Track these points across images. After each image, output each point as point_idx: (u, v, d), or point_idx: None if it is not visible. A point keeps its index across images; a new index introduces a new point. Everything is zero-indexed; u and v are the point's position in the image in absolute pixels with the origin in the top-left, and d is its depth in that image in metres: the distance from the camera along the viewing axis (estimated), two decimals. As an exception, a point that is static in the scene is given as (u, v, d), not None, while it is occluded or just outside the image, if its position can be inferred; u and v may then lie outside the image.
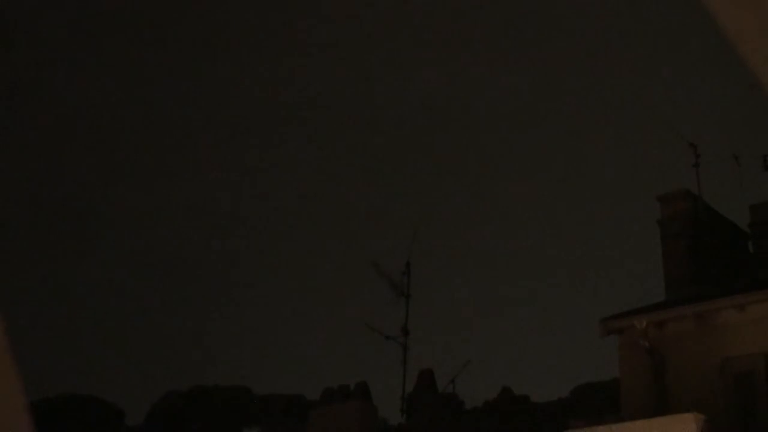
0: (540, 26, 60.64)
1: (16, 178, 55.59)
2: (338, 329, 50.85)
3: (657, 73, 60.92)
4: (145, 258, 54.07)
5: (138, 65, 59.37)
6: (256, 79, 59.34)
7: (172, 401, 32.91)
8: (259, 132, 58.95)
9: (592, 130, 57.32)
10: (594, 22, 57.63)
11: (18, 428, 3.24)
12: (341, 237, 57.16)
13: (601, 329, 20.21)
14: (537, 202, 59.49)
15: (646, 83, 60.65)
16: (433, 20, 59.86)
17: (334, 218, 59.24)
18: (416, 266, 24.35)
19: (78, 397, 32.80)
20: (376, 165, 59.35)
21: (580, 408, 25.68)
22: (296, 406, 30.71)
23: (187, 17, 59.83)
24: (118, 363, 46.48)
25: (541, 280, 52.33)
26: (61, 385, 38.09)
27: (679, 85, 57.47)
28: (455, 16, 60.43)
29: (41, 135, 58.68)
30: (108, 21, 59.51)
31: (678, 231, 21.56)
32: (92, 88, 59.75)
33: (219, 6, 61.09)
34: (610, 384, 24.20)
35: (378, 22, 57.91)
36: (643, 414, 18.92)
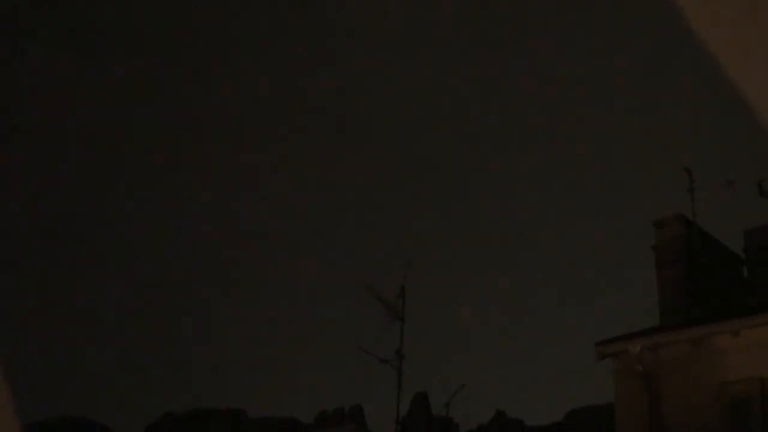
0: (535, 54, 60.91)
1: (12, 201, 55.65)
2: (333, 353, 50.80)
3: (652, 98, 61.12)
4: (143, 282, 54.06)
5: (139, 76, 59.50)
6: (254, 100, 59.57)
7: (168, 424, 32.84)
8: (256, 153, 59.08)
9: (588, 155, 57.51)
10: (591, 49, 57.93)
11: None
12: (336, 260, 57.16)
13: (595, 353, 20.21)
14: (532, 227, 59.62)
15: (642, 109, 60.88)
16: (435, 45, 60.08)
17: (329, 242, 59.29)
18: (411, 289, 24.32)
19: (73, 420, 32.74)
20: (371, 190, 59.46)
21: (575, 432, 25.64)
22: (291, 430, 30.63)
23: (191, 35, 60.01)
24: (114, 385, 46.41)
25: (536, 303, 52.36)
26: (56, 408, 38.04)
27: (675, 110, 57.66)
28: (453, 40, 60.69)
29: (38, 154, 58.75)
30: (110, 30, 59.66)
31: (672, 256, 21.58)
32: (94, 97, 59.86)
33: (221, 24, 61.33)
34: (604, 408, 24.22)
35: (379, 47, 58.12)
36: (638, 439, 18.92)
